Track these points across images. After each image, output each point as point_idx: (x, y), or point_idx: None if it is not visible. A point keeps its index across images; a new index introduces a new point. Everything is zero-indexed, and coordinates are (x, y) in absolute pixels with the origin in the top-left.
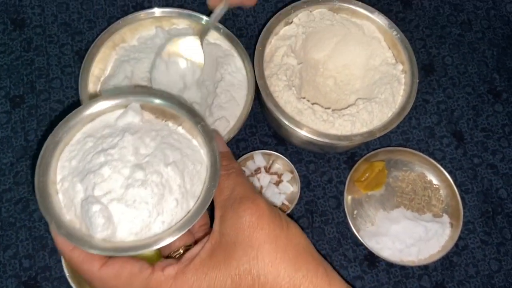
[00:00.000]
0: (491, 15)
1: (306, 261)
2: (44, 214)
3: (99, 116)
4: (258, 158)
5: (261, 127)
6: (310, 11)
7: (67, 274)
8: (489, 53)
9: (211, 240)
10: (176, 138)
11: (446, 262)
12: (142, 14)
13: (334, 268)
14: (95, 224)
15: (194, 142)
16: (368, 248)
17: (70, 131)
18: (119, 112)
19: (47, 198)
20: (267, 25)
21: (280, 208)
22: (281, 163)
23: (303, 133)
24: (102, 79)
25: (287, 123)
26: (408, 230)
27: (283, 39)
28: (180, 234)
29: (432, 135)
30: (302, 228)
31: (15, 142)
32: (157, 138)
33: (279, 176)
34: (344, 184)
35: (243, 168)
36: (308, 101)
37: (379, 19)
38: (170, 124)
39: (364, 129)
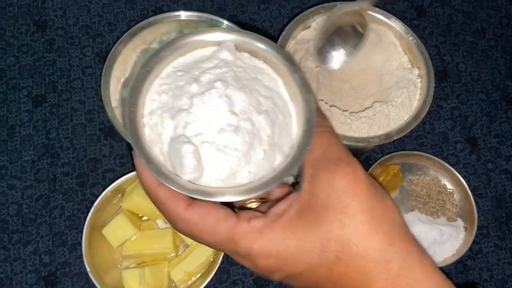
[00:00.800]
0: (504, 24)
1: (400, 238)
2: (134, 146)
3: (190, 52)
4: None
5: None
6: (328, 16)
7: (88, 269)
8: (502, 61)
9: (300, 199)
10: (268, 86)
11: (460, 265)
12: (163, 17)
13: None
14: (186, 164)
15: (284, 92)
16: None
17: (160, 63)
18: (211, 49)
19: (137, 130)
20: (285, 29)
21: None
22: None
23: None
24: (122, 80)
25: None
26: (423, 233)
27: (301, 43)
28: (269, 189)
29: (446, 141)
30: None
31: (37, 140)
32: (250, 83)
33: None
34: None
35: None
36: (326, 103)
37: (396, 24)
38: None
39: (381, 132)
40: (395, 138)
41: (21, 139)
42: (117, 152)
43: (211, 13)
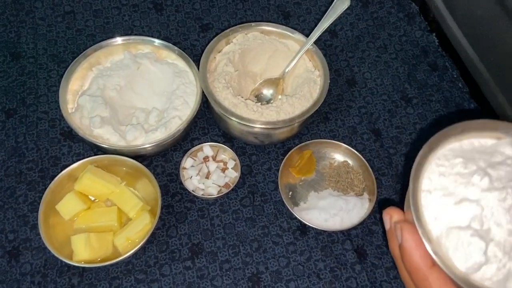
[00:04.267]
0: (403, 41)
1: None
2: (416, 222)
3: (467, 138)
4: (206, 149)
5: (212, 129)
6: (246, 34)
7: (44, 240)
8: (401, 69)
9: None
10: None
11: (366, 229)
12: (113, 40)
13: (270, 236)
14: (473, 259)
15: None
16: (301, 220)
17: (441, 143)
18: (488, 140)
19: (419, 206)
20: (210, 43)
21: (223, 187)
22: (226, 153)
23: (238, 121)
24: (80, 92)
25: (225, 114)
26: (331, 203)
27: (224, 54)
28: None
29: (355, 132)
30: (245, 206)
31: (7, 144)
32: None
33: (225, 164)
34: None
35: (194, 159)
36: (243, 97)
37: (299, 37)
38: None
39: (287, 117)
40: (297, 121)
41: None
42: (75, 151)
43: (153, 36)
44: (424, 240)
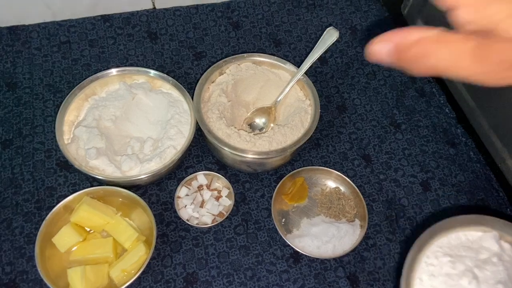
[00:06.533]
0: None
1: None
2: None
3: (454, 232)
4: (200, 178)
5: (206, 157)
6: (239, 64)
7: (40, 273)
8: (390, 95)
9: None
10: None
11: (358, 256)
12: (109, 71)
13: (264, 264)
14: None
15: None
16: (293, 247)
17: (430, 240)
18: (474, 233)
19: None
20: (204, 74)
21: (217, 216)
22: (220, 182)
23: (231, 151)
24: (76, 123)
25: (218, 144)
26: (324, 230)
27: (218, 84)
28: None
29: (346, 158)
30: (239, 234)
31: (4, 175)
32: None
33: (219, 192)
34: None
35: (189, 187)
36: (235, 128)
37: (290, 67)
38: None
39: (279, 147)
40: (289, 151)
41: None
42: (70, 181)
43: (148, 66)
44: None
